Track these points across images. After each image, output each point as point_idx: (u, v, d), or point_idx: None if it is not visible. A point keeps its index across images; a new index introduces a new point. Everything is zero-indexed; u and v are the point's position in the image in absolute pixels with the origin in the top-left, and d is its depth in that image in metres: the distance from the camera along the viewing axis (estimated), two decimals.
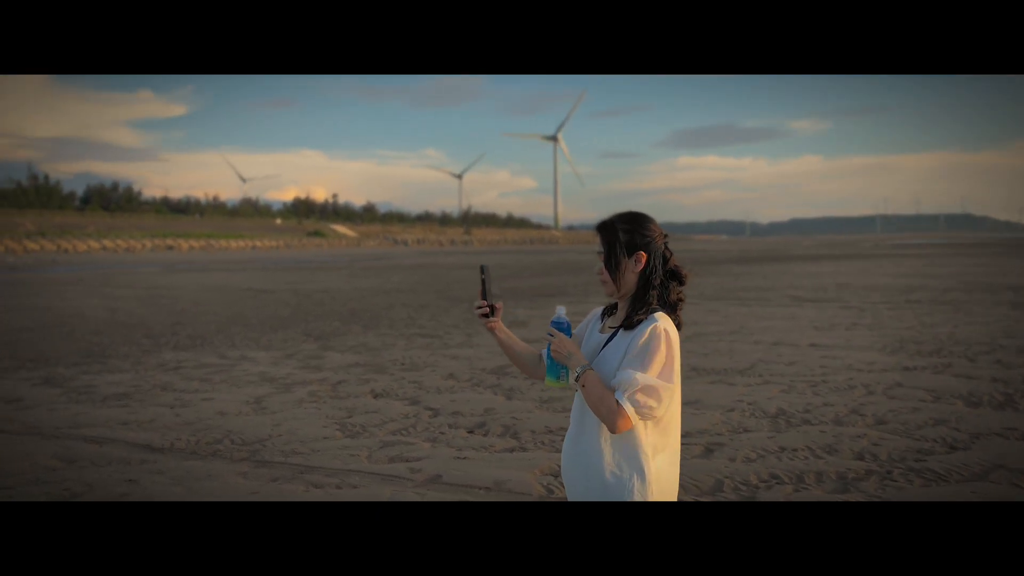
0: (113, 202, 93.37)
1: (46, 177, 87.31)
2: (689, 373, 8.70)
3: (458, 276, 29.74)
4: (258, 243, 75.27)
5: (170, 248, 62.84)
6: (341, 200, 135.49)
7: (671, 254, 2.30)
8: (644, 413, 2.08)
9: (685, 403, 7.16)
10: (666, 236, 2.31)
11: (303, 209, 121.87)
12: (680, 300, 2.28)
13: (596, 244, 2.32)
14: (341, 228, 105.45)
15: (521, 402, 7.33)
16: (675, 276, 2.28)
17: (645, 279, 2.25)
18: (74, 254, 54.06)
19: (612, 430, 2.10)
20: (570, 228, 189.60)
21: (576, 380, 2.19)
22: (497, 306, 2.36)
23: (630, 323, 2.20)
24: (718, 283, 23.82)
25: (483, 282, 2.38)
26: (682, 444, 6.00)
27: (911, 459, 5.29)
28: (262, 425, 6.54)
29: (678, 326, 2.26)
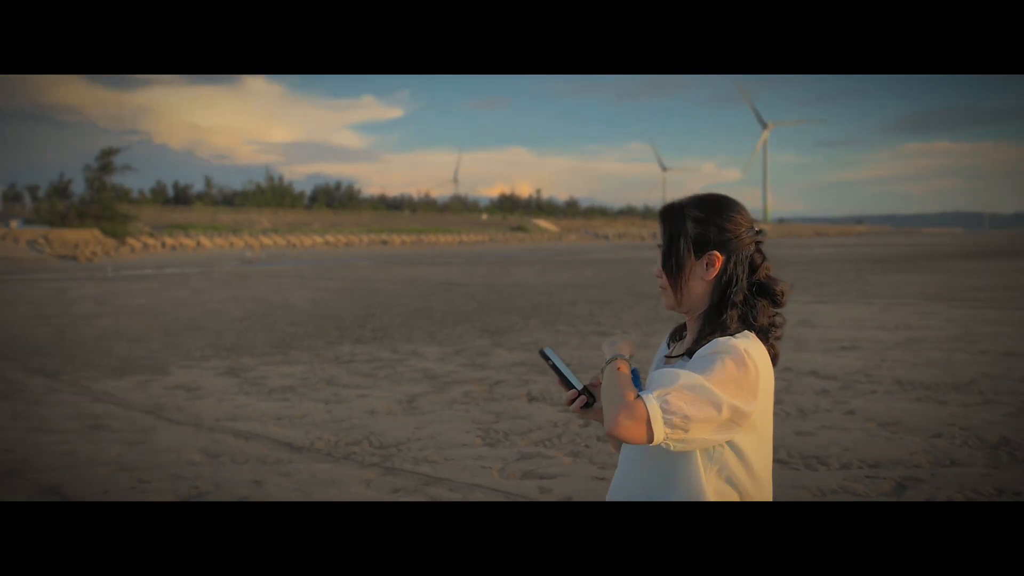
0: (336, 200, 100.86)
1: (281, 178, 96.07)
2: (891, 387, 7.52)
3: (651, 272, 28.80)
4: (464, 238, 78.05)
5: (384, 243, 66.58)
6: (544, 195, 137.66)
7: (763, 259, 1.64)
8: (671, 423, 1.45)
9: (880, 422, 6.11)
10: (759, 233, 1.64)
11: (508, 204, 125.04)
12: (773, 326, 1.62)
13: (659, 234, 1.71)
14: (543, 223, 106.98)
15: None
16: (765, 292, 1.62)
17: (721, 291, 1.61)
18: (300, 248, 58.75)
19: (610, 431, 1.46)
20: (780, 221, 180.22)
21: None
22: (595, 383, 1.72)
23: (696, 350, 1.57)
24: (942, 281, 21.17)
25: (554, 369, 1.73)
26: (867, 476, 5.13)
27: None
28: (405, 427, 6.34)
29: (773, 360, 1.60)
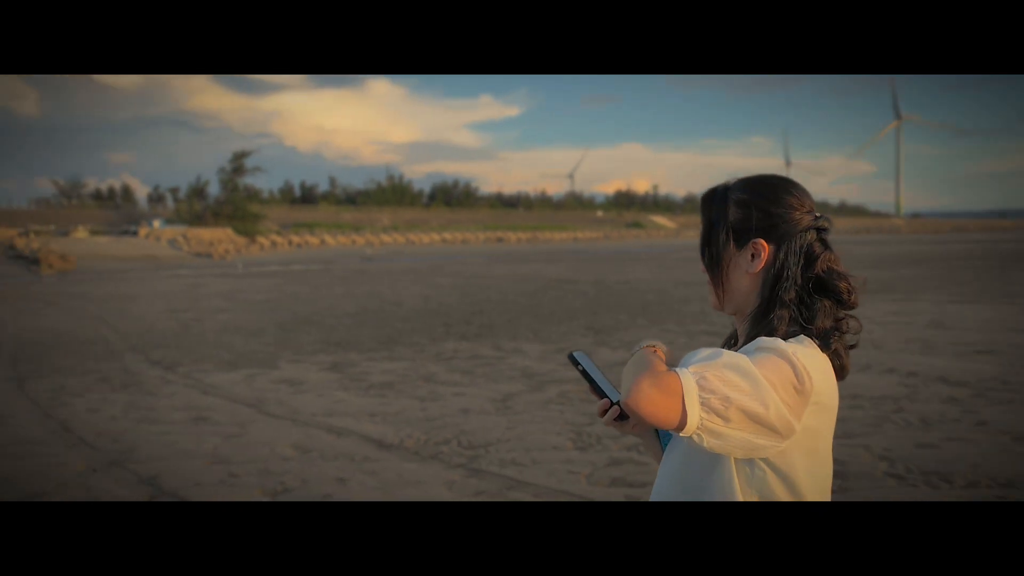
0: (454, 198, 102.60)
1: (401, 177, 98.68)
2: None
3: None
4: (579, 235, 77.74)
5: (500, 240, 67.13)
6: (661, 191, 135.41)
7: (824, 250, 1.36)
8: (709, 404, 1.17)
9: (1016, 435, 5.50)
10: (819, 219, 1.37)
11: (624, 201, 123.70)
12: (836, 330, 1.33)
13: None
14: (660, 219, 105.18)
15: None
16: (825, 288, 1.33)
17: (770, 288, 1.34)
18: (418, 245, 60.07)
19: (630, 402, 1.17)
20: (915, 215, 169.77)
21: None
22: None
23: None
24: None
25: (585, 376, 1.50)
26: (997, 496, 4.58)
27: None
28: (496, 427, 6.21)
29: (838, 372, 1.33)
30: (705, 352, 1.25)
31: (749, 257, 1.37)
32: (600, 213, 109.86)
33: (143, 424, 6.44)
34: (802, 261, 1.34)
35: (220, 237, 51.26)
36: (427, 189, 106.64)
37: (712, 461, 1.28)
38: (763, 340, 1.27)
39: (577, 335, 11.39)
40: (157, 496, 4.68)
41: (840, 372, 1.33)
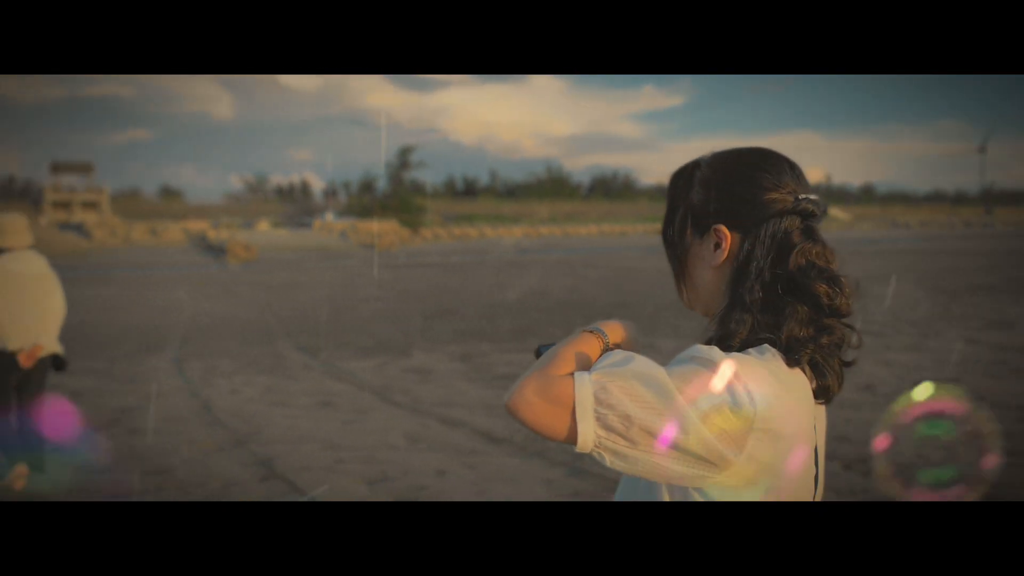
0: (613, 190, 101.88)
1: (560, 169, 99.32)
2: None
3: (953, 264, 25.40)
4: None
5: (659, 232, 65.87)
6: (836, 181, 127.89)
7: (804, 241, 1.11)
8: (606, 422, 0.97)
9: None
10: (801, 201, 1.12)
11: None
12: (811, 340, 1.08)
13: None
14: (833, 210, 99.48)
15: None
16: (796, 288, 1.09)
17: (734, 284, 1.12)
18: (575, 238, 60.14)
19: (509, 406, 1.00)
20: None
21: None
22: None
23: None
24: None
25: None
26: None
27: None
28: None
29: (819, 394, 1.10)
30: (617, 356, 1.04)
31: (712, 247, 1.14)
32: None
33: (274, 407, 6.77)
34: (772, 253, 1.10)
35: (386, 229, 53.59)
36: (586, 181, 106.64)
37: (649, 482, 1.08)
38: (696, 348, 1.04)
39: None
40: (267, 477, 4.88)
41: (821, 393, 1.10)
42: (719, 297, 1.15)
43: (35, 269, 4.76)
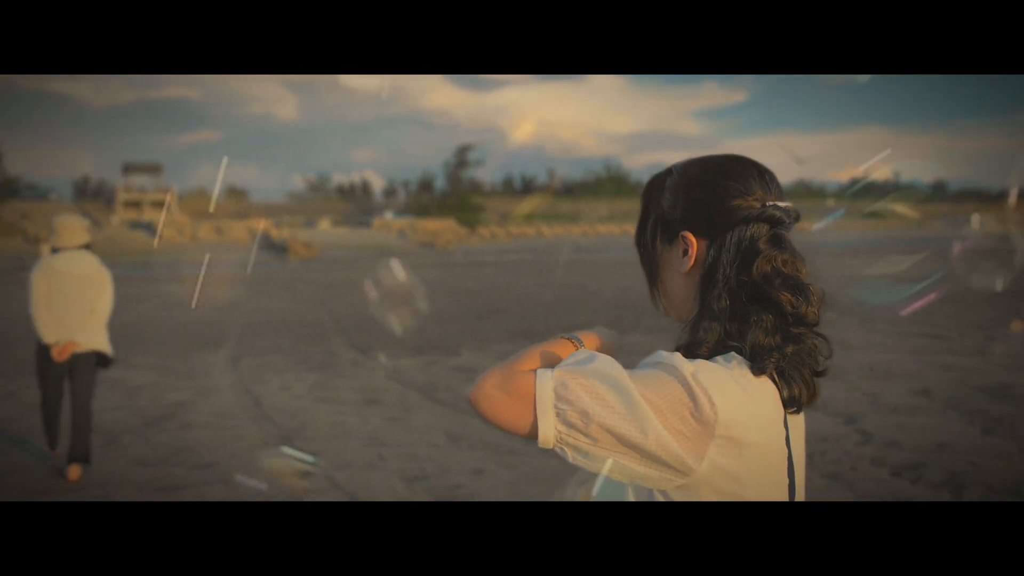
0: None
1: (618, 168, 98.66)
2: None
3: None
4: (804, 225, 73.43)
5: None
6: (906, 178, 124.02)
7: (771, 250, 1.09)
8: (565, 417, 0.98)
9: None
10: (768, 208, 1.10)
11: (859, 189, 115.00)
12: (776, 349, 1.06)
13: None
14: (901, 208, 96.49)
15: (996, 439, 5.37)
16: (761, 295, 1.07)
17: (702, 292, 1.11)
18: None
19: (471, 398, 1.03)
20: None
21: None
22: None
23: None
24: None
25: None
26: None
27: None
28: None
29: (788, 404, 1.08)
30: (580, 355, 1.05)
31: (680, 254, 1.14)
32: (831, 202, 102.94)
33: (321, 403, 6.89)
34: (738, 261, 1.09)
35: (443, 228, 54.02)
36: (646, 180, 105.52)
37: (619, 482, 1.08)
38: (659, 354, 1.05)
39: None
40: (307, 473, 4.98)
41: (790, 403, 1.07)
42: (691, 303, 1.15)
43: (81, 269, 4.93)
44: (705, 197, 1.12)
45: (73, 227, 4.96)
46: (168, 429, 6.07)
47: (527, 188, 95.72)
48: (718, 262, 1.10)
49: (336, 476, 4.90)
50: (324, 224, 57.18)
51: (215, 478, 4.91)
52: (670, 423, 0.98)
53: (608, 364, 1.02)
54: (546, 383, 1.00)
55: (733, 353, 1.06)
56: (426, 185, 72.20)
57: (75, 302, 4.88)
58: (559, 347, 1.15)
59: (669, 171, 1.21)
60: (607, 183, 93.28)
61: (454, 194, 62.28)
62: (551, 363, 1.07)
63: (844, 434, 5.70)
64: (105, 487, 4.76)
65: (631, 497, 1.08)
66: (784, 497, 1.09)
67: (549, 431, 1.00)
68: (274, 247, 44.28)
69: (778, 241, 1.10)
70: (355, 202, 77.12)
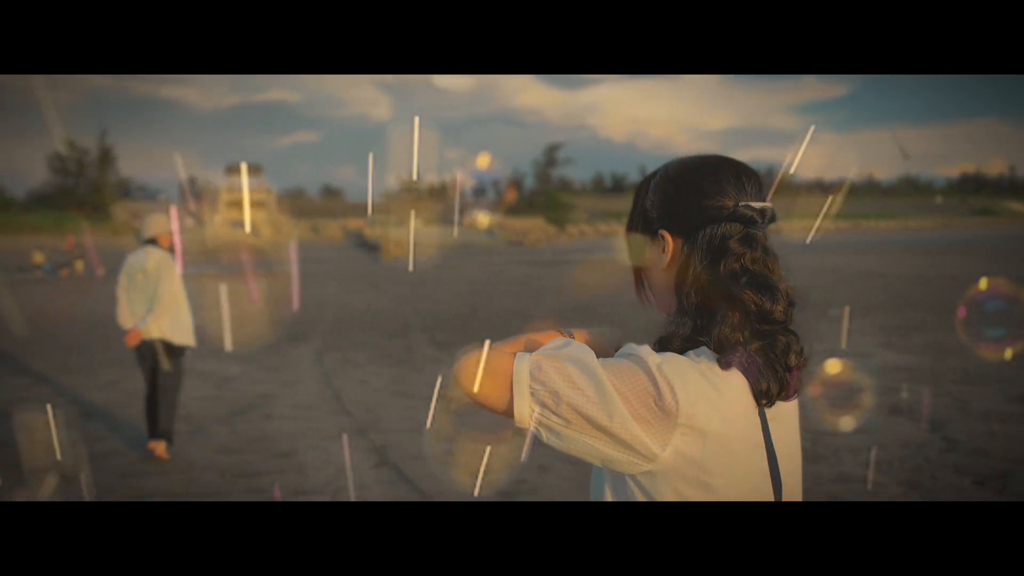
0: (765, 185, 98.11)
1: None
2: None
3: None
4: (910, 223, 70.28)
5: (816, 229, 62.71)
6: (1021, 173, 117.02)
7: (742, 248, 1.12)
8: (538, 396, 1.04)
9: None
10: (742, 207, 1.14)
11: (970, 185, 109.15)
12: (741, 345, 1.09)
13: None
14: (1017, 205, 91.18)
15: None
16: (727, 292, 1.11)
17: (676, 286, 1.17)
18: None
19: (455, 374, 1.10)
20: None
21: None
22: None
23: None
24: None
25: None
26: None
27: None
28: None
29: (757, 398, 1.09)
30: (557, 341, 1.12)
31: (660, 251, 1.19)
32: (939, 199, 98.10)
33: (397, 397, 7.06)
34: (708, 259, 1.13)
35: (532, 226, 54.20)
36: None
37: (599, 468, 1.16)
38: (630, 346, 1.11)
39: (862, 335, 10.32)
40: (378, 464, 5.12)
41: (759, 397, 1.09)
42: (670, 299, 1.19)
43: (146, 262, 5.38)
44: (680, 197, 1.17)
45: (147, 223, 5.56)
46: (251, 419, 6.35)
47: (617, 186, 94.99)
48: (691, 260, 1.14)
49: (405, 468, 5.03)
50: (415, 223, 58.26)
51: (290, 466, 5.11)
52: (635, 409, 1.03)
53: (582, 351, 1.08)
54: (523, 365, 1.07)
55: (704, 348, 1.10)
56: (515, 183, 72.64)
57: (142, 293, 5.35)
58: (546, 337, 1.22)
59: (656, 171, 1.25)
60: None
61: (543, 192, 62.40)
62: (533, 349, 1.13)
63: (927, 440, 5.47)
64: (189, 472, 5.03)
65: (608, 492, 1.14)
66: (765, 489, 1.11)
67: (524, 410, 1.06)
68: (366, 245, 45.41)
69: (749, 240, 1.13)
70: (445, 201, 78.31)
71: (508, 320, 12.64)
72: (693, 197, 1.15)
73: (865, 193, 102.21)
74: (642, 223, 1.22)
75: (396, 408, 6.66)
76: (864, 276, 20.54)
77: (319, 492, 4.64)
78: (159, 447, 5.28)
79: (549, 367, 1.05)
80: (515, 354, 1.09)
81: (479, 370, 1.08)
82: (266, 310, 14.66)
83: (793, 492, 1.17)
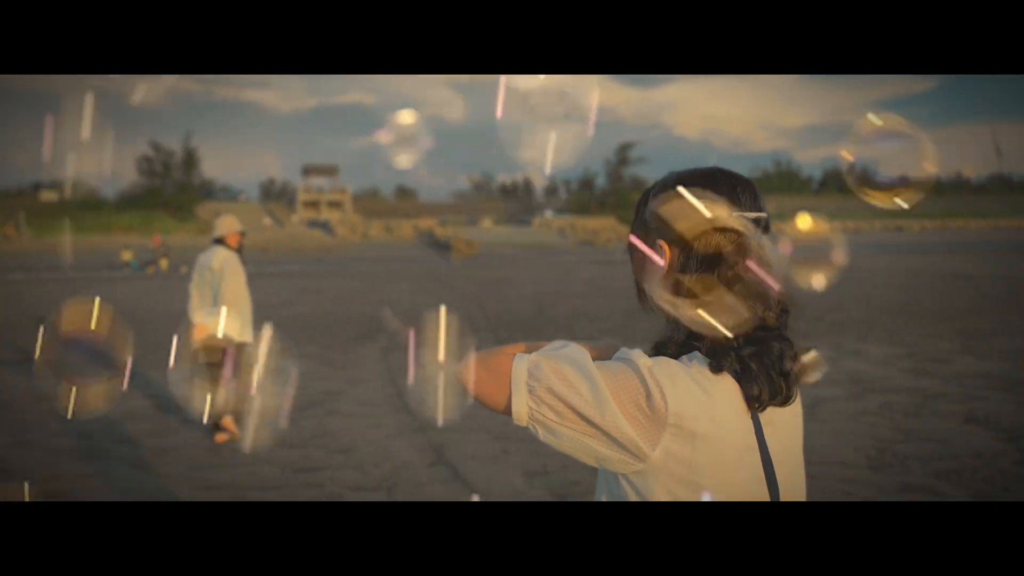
0: (846, 184, 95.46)
1: (788, 163, 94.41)
2: None
3: None
4: (1001, 222, 67.20)
5: (899, 229, 60.79)
6: None
7: (738, 256, 1.15)
8: (535, 394, 1.10)
9: None
10: (740, 217, 1.16)
11: None
12: (733, 350, 1.12)
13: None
14: None
15: None
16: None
17: (672, 294, 1.20)
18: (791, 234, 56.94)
19: (456, 372, 1.24)
20: None
21: None
22: None
23: None
24: None
25: None
26: None
27: None
28: None
29: (749, 402, 1.11)
30: (556, 343, 1.18)
31: (657, 259, 1.21)
32: None
33: (457, 396, 7.12)
34: (703, 267, 1.15)
35: (603, 226, 53.92)
36: (818, 175, 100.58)
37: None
38: (623, 350, 1.15)
39: (940, 339, 9.93)
40: (434, 463, 5.19)
41: (751, 401, 1.11)
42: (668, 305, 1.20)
43: (209, 261, 5.66)
44: (674, 208, 1.18)
45: (216, 224, 5.89)
46: (314, 415, 6.52)
47: None
48: (686, 268, 1.16)
49: (460, 467, 5.09)
50: (486, 223, 58.61)
51: (349, 463, 5.23)
52: (625, 408, 1.07)
53: (579, 353, 1.13)
54: (521, 364, 1.13)
55: (696, 352, 1.14)
56: (587, 183, 72.32)
57: (210, 290, 5.67)
58: (536, 344, 1.27)
59: (656, 184, 1.29)
60: (776, 179, 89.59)
61: (614, 192, 61.95)
62: (533, 351, 1.19)
63: (1002, 451, 5.24)
64: (252, 465, 5.20)
65: (604, 492, 1.18)
66: (759, 492, 1.13)
67: (522, 407, 1.11)
68: (438, 245, 45.96)
69: (743, 249, 1.14)
70: (516, 201, 78.57)
71: (574, 320, 12.62)
72: (689, 207, 1.16)
73: (952, 191, 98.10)
74: (643, 232, 1.24)
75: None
76: (949, 277, 19.75)
77: (375, 489, 4.74)
78: (222, 437, 5.65)
79: (546, 366, 1.11)
80: (514, 355, 1.15)
81: (481, 369, 1.15)
82: (340, 308, 15.00)
83: (792, 496, 1.18)
